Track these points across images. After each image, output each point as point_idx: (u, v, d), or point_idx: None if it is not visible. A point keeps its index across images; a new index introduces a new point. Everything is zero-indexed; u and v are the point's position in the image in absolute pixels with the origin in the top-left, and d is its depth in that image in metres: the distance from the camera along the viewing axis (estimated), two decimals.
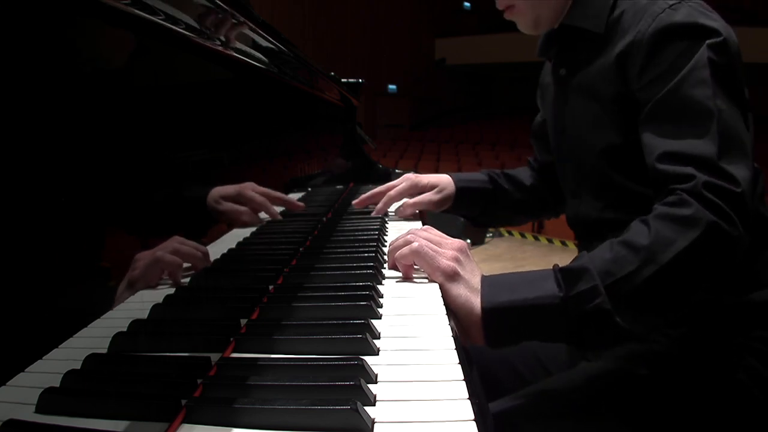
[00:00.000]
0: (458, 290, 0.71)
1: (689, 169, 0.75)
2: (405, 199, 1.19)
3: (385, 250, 0.90)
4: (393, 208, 1.22)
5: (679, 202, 0.73)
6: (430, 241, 0.75)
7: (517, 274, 0.76)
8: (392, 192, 1.17)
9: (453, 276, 0.71)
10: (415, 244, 0.73)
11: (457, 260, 0.73)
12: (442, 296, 0.69)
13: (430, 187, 1.17)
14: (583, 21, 0.94)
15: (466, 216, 1.27)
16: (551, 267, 0.75)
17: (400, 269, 0.76)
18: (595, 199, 0.99)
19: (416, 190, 1.18)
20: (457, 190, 1.18)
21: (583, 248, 0.96)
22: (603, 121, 0.93)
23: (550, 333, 0.72)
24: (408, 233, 0.77)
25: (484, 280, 0.73)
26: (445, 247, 0.75)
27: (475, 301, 0.70)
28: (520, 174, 1.28)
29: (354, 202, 1.22)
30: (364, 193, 1.49)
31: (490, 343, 0.71)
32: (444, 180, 1.19)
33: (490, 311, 0.69)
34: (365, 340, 0.54)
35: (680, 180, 0.75)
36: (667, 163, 0.78)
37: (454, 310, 0.70)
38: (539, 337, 0.74)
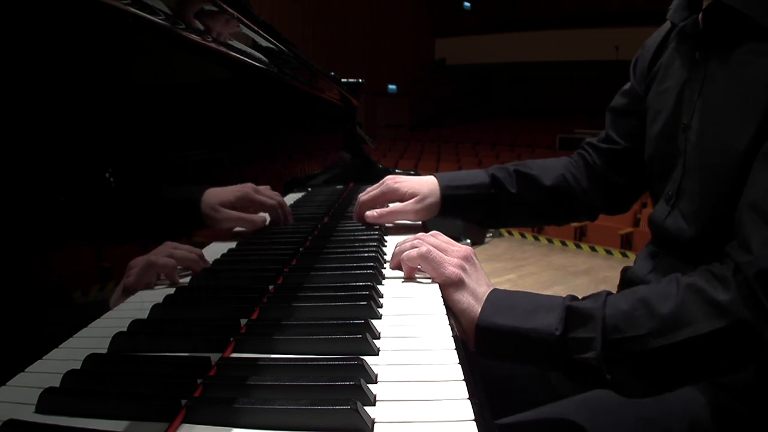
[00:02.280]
0: (460, 296, 0.71)
1: (756, 242, 0.63)
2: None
3: (386, 250, 0.90)
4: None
5: (721, 278, 0.64)
6: (437, 247, 0.75)
7: (526, 297, 0.72)
8: (364, 197, 1.03)
9: (457, 283, 0.71)
10: (423, 248, 0.73)
11: (462, 268, 0.73)
12: (442, 297, 0.69)
13: (410, 195, 1.01)
14: (746, 5, 0.74)
15: (467, 220, 1.11)
16: (566, 296, 0.71)
17: (403, 270, 0.77)
18: (697, 219, 0.81)
19: (394, 196, 1.02)
20: (443, 198, 1.01)
21: (658, 257, 0.90)
22: (743, 140, 0.72)
23: (539, 363, 0.71)
24: (415, 237, 0.78)
25: (491, 295, 0.71)
26: (452, 254, 0.74)
27: (477, 310, 0.70)
28: (545, 170, 1.07)
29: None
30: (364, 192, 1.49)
31: (482, 355, 0.71)
32: (427, 186, 1.02)
33: (483, 329, 0.69)
34: (365, 340, 0.54)
35: (742, 247, 0.65)
36: (747, 213, 0.66)
37: (455, 314, 0.70)
38: (528, 363, 0.72)
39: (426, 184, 1.02)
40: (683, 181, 0.85)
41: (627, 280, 0.97)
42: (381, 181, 1.04)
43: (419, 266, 0.75)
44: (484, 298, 0.70)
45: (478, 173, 1.06)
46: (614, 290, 1.04)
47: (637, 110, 0.99)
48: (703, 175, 0.80)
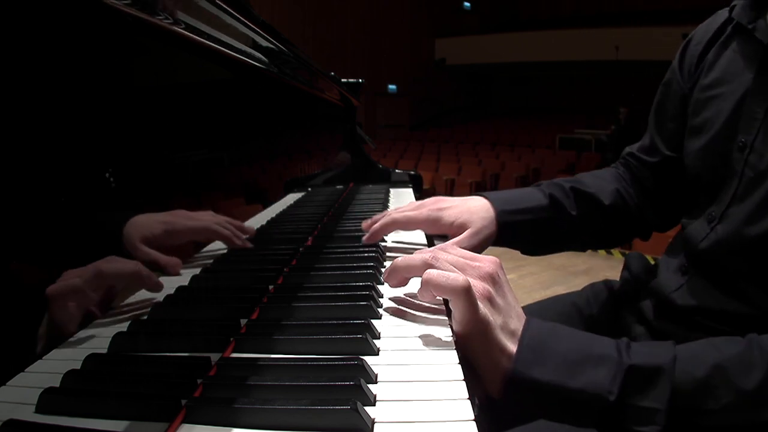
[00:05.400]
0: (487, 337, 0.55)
1: None
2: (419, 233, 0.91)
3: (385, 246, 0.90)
4: (399, 236, 0.94)
5: None
6: (455, 265, 0.59)
7: (571, 339, 0.58)
8: (398, 215, 0.84)
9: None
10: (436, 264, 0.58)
11: (488, 299, 0.56)
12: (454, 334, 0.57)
13: (457, 226, 0.82)
14: None
15: (514, 246, 0.93)
16: (620, 341, 0.58)
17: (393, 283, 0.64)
18: (733, 248, 0.73)
19: (435, 227, 0.84)
20: (501, 227, 0.85)
21: (689, 275, 0.81)
22: None
23: (580, 424, 0.58)
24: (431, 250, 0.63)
25: (527, 333, 0.56)
26: (471, 273, 0.58)
27: (508, 352, 0.55)
28: (600, 186, 0.93)
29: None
30: (364, 193, 1.48)
31: (510, 408, 0.58)
32: (479, 214, 0.84)
33: (517, 381, 0.55)
34: (365, 340, 0.54)
35: None
36: None
37: (474, 351, 0.56)
38: (566, 422, 0.60)
39: (477, 211, 0.84)
40: (732, 205, 0.75)
41: (651, 291, 0.89)
42: (420, 203, 0.87)
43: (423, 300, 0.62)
44: (518, 336, 0.56)
45: (533, 193, 0.91)
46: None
47: (685, 112, 0.88)
48: (762, 204, 0.70)
